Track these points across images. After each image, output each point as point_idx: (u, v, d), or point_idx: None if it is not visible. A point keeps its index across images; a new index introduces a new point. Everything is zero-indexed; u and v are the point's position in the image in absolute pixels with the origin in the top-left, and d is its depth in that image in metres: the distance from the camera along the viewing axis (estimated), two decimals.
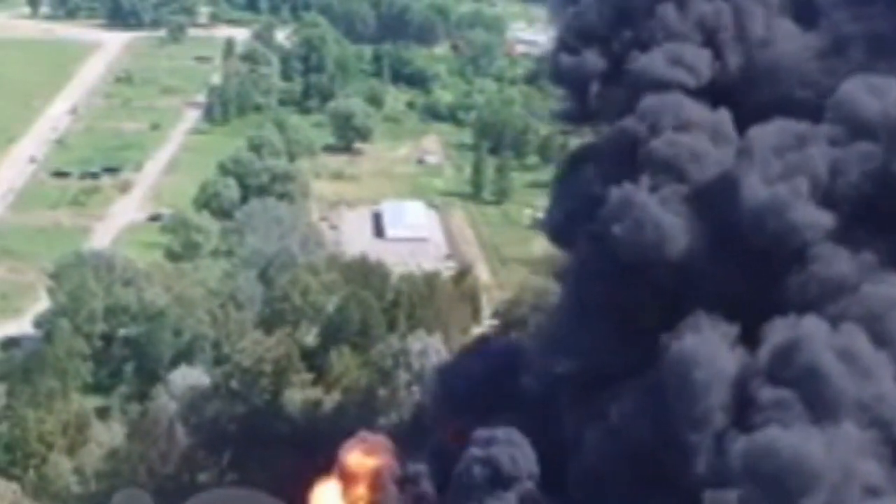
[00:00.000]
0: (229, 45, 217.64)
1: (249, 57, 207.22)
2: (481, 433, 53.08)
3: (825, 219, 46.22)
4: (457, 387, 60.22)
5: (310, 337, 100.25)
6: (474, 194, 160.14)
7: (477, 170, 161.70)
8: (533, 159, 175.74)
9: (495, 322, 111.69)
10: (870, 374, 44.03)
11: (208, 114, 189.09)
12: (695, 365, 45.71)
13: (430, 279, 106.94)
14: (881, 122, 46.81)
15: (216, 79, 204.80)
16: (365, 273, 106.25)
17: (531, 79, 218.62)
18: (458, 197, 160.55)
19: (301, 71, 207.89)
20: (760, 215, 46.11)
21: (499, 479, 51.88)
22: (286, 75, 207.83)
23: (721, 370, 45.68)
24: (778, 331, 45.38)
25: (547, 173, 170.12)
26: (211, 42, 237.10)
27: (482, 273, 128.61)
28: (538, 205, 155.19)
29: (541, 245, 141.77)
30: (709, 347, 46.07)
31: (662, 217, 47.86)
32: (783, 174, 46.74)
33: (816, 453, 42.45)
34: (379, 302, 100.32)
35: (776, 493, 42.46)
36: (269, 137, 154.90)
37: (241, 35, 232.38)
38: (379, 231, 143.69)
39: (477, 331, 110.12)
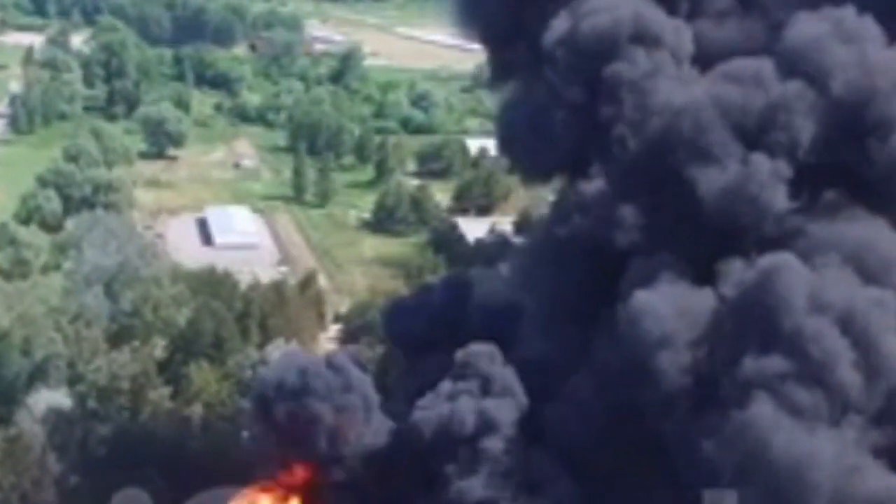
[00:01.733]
0: (29, 52, 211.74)
1: (49, 64, 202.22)
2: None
3: None
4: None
5: (159, 350, 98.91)
6: (296, 197, 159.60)
7: (298, 172, 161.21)
8: (349, 160, 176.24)
9: (339, 327, 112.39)
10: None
11: (13, 124, 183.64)
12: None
13: (279, 287, 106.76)
14: None
15: (15, 87, 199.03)
16: (212, 283, 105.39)
17: (336, 78, 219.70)
18: (280, 200, 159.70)
19: (103, 77, 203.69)
20: None
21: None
22: (88, 82, 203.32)
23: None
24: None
25: (365, 173, 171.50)
26: (2, 48, 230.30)
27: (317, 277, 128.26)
28: (362, 205, 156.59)
29: (370, 246, 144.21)
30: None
31: None
32: None
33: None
34: (229, 312, 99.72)
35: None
36: (85, 146, 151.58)
37: (28, 40, 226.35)
38: (206, 238, 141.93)
39: (324, 337, 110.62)
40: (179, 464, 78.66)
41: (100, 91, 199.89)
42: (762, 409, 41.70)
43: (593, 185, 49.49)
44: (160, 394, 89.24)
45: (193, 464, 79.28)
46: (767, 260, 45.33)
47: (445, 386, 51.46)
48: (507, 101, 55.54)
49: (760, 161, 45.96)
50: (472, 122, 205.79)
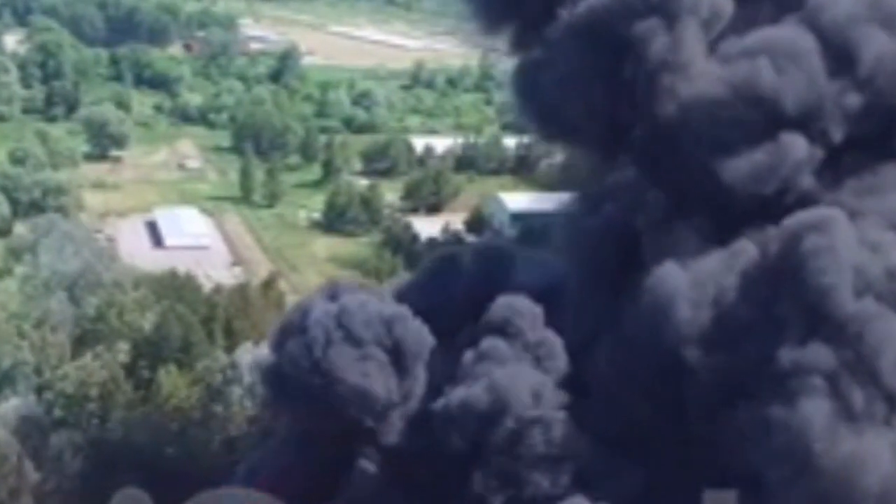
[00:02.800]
0: None
1: None
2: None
3: None
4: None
5: (123, 356, 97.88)
6: (244, 198, 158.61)
7: (245, 173, 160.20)
8: (294, 159, 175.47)
9: None
10: None
11: None
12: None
13: (243, 289, 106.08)
14: None
15: None
16: (176, 287, 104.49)
17: (275, 77, 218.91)
18: (228, 201, 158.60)
19: (40, 78, 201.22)
20: None
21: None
22: (25, 83, 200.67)
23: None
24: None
25: (311, 173, 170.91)
26: None
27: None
28: (310, 205, 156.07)
29: (323, 246, 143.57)
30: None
31: None
32: None
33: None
34: (194, 316, 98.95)
35: None
36: (31, 149, 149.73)
37: None
38: (157, 241, 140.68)
39: None
40: (157, 471, 78.33)
41: (38, 92, 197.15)
42: (809, 408, 41.49)
43: (622, 174, 49.63)
44: (130, 400, 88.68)
45: (170, 470, 78.98)
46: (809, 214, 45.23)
47: (491, 350, 50.78)
48: (531, 62, 54.26)
49: (794, 143, 46.04)
50: (414, 121, 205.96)
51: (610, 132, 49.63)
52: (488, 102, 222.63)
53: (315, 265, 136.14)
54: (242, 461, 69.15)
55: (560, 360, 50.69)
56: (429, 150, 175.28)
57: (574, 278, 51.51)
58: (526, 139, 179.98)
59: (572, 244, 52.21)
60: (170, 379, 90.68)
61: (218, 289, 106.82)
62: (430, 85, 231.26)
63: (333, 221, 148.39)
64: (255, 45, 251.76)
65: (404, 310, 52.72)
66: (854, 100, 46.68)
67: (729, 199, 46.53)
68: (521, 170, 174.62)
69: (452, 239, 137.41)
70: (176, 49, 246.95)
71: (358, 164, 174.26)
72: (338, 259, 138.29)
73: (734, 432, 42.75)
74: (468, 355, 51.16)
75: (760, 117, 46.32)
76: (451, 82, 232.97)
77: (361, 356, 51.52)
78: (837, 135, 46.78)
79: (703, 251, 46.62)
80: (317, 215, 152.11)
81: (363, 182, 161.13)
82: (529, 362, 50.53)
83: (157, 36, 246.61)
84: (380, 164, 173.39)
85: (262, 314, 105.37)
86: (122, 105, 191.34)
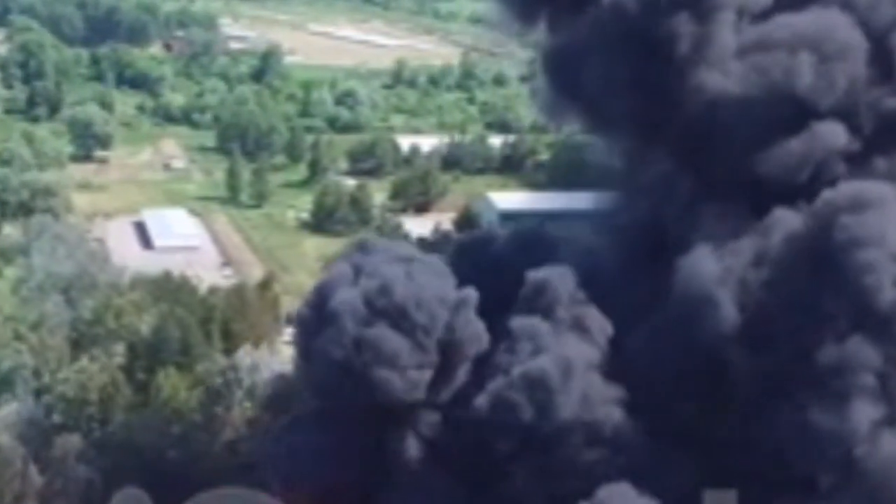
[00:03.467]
0: None
1: None
2: None
3: None
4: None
5: (119, 359, 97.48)
6: (232, 198, 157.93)
7: (232, 173, 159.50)
8: (280, 159, 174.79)
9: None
10: None
11: None
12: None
13: (240, 290, 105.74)
14: None
15: None
16: (172, 289, 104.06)
17: (257, 76, 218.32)
18: (215, 202, 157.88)
19: (22, 78, 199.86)
20: None
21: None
22: (6, 83, 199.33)
23: None
24: None
25: (297, 173, 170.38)
26: None
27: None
28: (298, 205, 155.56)
29: (312, 246, 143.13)
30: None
31: None
32: None
33: None
34: (192, 318, 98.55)
35: None
36: (17, 150, 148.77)
37: None
38: (146, 242, 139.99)
39: (282, 340, 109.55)
40: (160, 474, 77.97)
41: (19, 92, 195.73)
42: (854, 413, 41.22)
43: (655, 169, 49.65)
44: (131, 403, 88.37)
45: (173, 473, 78.68)
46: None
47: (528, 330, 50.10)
48: (566, 53, 54.12)
49: (828, 131, 46.02)
50: (398, 120, 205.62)
51: (646, 125, 49.61)
52: (471, 101, 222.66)
53: (306, 266, 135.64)
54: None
55: (600, 336, 50.44)
56: (415, 149, 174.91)
57: (608, 270, 51.48)
58: (511, 138, 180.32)
59: (608, 239, 52.24)
60: (169, 381, 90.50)
61: (214, 290, 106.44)
62: (412, 84, 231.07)
63: (322, 221, 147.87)
64: (235, 45, 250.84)
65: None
66: (892, 104, 46.80)
67: (763, 187, 46.41)
68: (507, 168, 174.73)
69: (443, 239, 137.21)
70: (156, 49, 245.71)
71: (344, 164, 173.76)
72: (328, 259, 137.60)
73: (776, 435, 42.61)
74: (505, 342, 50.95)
75: (794, 112, 46.31)
76: (433, 81, 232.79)
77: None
78: (869, 128, 46.81)
79: (735, 234, 46.31)
80: (305, 215, 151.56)
81: (350, 182, 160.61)
82: (569, 340, 50.25)
83: (137, 35, 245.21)
84: (366, 163, 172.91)
85: (259, 316, 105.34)
86: (105, 105, 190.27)
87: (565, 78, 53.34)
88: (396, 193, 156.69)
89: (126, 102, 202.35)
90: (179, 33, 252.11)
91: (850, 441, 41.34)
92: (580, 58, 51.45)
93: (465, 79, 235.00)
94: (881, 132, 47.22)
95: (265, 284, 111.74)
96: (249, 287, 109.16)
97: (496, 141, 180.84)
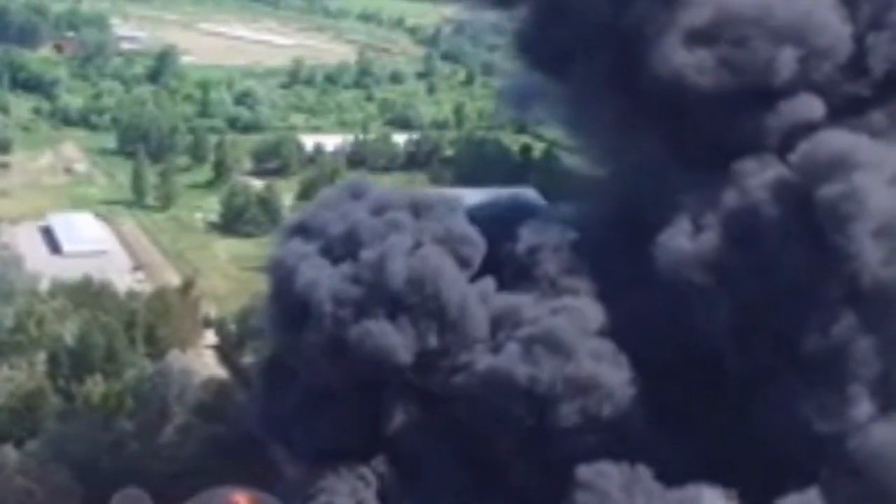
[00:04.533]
0: None
1: None
2: None
3: None
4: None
5: (41, 366, 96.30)
6: (137, 201, 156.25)
7: (137, 176, 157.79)
8: (184, 160, 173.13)
9: (212, 332, 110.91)
10: None
11: None
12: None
13: (162, 295, 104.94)
14: None
15: None
16: (94, 295, 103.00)
17: (153, 77, 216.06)
18: (120, 205, 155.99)
19: None
20: None
21: None
22: None
23: None
24: None
25: (202, 174, 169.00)
26: None
27: (175, 281, 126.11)
28: (205, 207, 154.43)
29: (223, 248, 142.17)
30: None
31: None
32: None
33: None
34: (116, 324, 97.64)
35: None
36: None
37: None
38: (54, 247, 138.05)
39: (204, 344, 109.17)
40: (94, 484, 77.65)
41: None
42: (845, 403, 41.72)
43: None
44: (62, 412, 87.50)
45: (108, 482, 78.21)
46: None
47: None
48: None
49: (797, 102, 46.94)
50: (298, 119, 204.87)
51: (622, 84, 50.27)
52: (369, 99, 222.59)
53: (219, 268, 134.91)
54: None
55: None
56: (319, 148, 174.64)
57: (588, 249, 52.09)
58: (415, 135, 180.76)
59: (586, 218, 52.83)
60: (98, 389, 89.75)
61: (134, 295, 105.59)
62: (309, 82, 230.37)
63: (232, 223, 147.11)
64: (126, 45, 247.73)
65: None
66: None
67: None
68: (413, 166, 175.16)
69: None
70: (46, 50, 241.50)
71: (248, 164, 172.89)
72: (239, 260, 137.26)
73: (764, 423, 43.27)
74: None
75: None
76: (331, 79, 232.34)
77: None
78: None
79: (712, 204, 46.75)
80: (214, 217, 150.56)
81: (255, 182, 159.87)
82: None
83: (28, 37, 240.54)
84: (270, 163, 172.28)
85: (182, 319, 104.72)
86: (0, 108, 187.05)
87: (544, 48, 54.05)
88: (304, 193, 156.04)
89: (21, 106, 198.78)
90: (70, 34, 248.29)
91: (841, 431, 42.05)
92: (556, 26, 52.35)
93: (362, 76, 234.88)
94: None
95: (186, 288, 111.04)
96: (170, 291, 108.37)
97: (400, 139, 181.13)
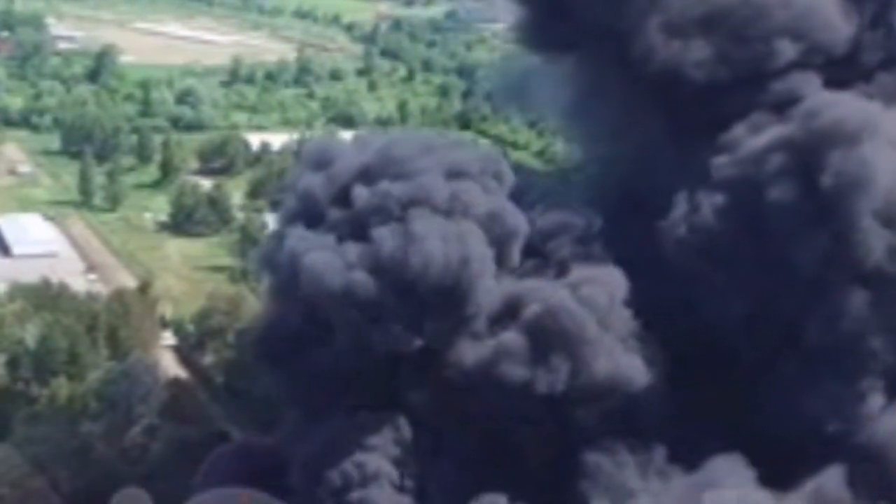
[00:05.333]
0: None
1: None
2: None
3: None
4: None
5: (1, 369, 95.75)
6: (84, 202, 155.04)
7: (84, 177, 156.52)
8: (129, 160, 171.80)
9: (172, 335, 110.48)
10: None
11: None
12: None
13: (121, 296, 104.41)
14: None
15: None
16: (53, 297, 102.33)
17: (92, 77, 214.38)
18: (67, 206, 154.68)
19: None
20: None
21: None
22: None
23: None
24: None
25: (148, 174, 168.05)
26: None
27: (129, 282, 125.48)
28: (153, 207, 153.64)
29: (174, 248, 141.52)
30: None
31: None
32: None
33: None
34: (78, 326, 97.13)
35: None
36: None
37: None
38: (4, 249, 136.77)
39: (162, 344, 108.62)
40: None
41: None
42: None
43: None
44: (28, 415, 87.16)
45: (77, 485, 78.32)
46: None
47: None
48: None
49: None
50: (240, 117, 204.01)
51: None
52: (310, 96, 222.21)
53: (171, 268, 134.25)
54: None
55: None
56: (265, 147, 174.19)
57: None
58: (363, 132, 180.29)
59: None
60: (63, 392, 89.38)
61: (93, 297, 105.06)
62: (249, 80, 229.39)
63: (182, 223, 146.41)
64: (63, 45, 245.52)
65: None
66: None
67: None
68: None
69: None
70: None
71: (194, 164, 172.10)
72: (191, 260, 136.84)
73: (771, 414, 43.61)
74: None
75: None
76: (271, 77, 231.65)
77: None
78: None
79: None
80: (163, 217, 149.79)
81: (201, 181, 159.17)
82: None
83: None
84: (216, 162, 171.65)
85: (141, 321, 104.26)
86: None
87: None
88: (253, 191, 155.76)
89: None
90: (5, 34, 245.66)
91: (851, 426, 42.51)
92: None
93: (303, 74, 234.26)
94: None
95: (143, 289, 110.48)
96: (129, 292, 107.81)
97: (346, 136, 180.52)
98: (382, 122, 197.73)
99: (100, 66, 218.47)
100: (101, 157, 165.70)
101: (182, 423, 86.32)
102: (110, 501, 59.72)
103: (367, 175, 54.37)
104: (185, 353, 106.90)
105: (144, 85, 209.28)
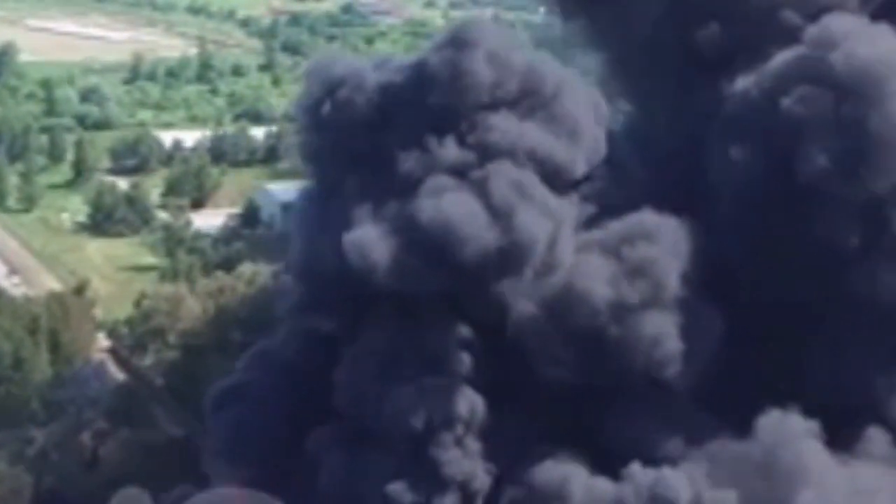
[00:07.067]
0: None
1: None
2: None
3: None
4: None
5: None
6: None
7: None
8: (40, 160, 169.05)
9: (108, 340, 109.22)
10: None
11: None
12: None
13: (61, 298, 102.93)
14: None
15: None
16: None
17: None
18: None
19: None
20: None
21: None
22: None
23: None
24: None
25: (60, 174, 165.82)
26: None
27: (54, 285, 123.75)
28: (69, 207, 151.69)
29: (95, 249, 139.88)
30: None
31: None
32: None
33: None
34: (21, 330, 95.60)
35: None
36: None
37: None
38: None
39: (97, 348, 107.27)
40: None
41: None
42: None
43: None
44: None
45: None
46: None
47: None
48: None
49: None
50: (146, 114, 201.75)
51: None
52: (214, 92, 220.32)
53: (95, 269, 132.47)
54: None
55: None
56: (177, 144, 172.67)
57: None
58: (275, 128, 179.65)
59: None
60: (11, 400, 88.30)
61: (32, 300, 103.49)
62: (151, 77, 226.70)
63: (101, 223, 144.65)
64: None
65: None
66: None
67: None
68: (272, 159, 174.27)
69: (231, 234, 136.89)
70: None
71: (107, 163, 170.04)
72: (113, 261, 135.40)
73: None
74: None
75: None
76: (173, 74, 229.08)
77: None
78: None
79: None
80: (81, 217, 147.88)
81: (116, 180, 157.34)
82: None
83: None
84: (129, 161, 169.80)
85: (80, 323, 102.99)
86: None
87: None
88: (171, 190, 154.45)
89: None
90: None
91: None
92: None
93: (205, 70, 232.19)
94: None
95: (79, 291, 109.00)
96: (66, 294, 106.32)
97: (257, 132, 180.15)
98: (291, 118, 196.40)
99: (0, 64, 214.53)
100: (12, 158, 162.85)
101: (134, 428, 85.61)
102: (110, 502, 58.90)
103: None
104: (121, 356, 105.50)
105: (46, 83, 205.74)
